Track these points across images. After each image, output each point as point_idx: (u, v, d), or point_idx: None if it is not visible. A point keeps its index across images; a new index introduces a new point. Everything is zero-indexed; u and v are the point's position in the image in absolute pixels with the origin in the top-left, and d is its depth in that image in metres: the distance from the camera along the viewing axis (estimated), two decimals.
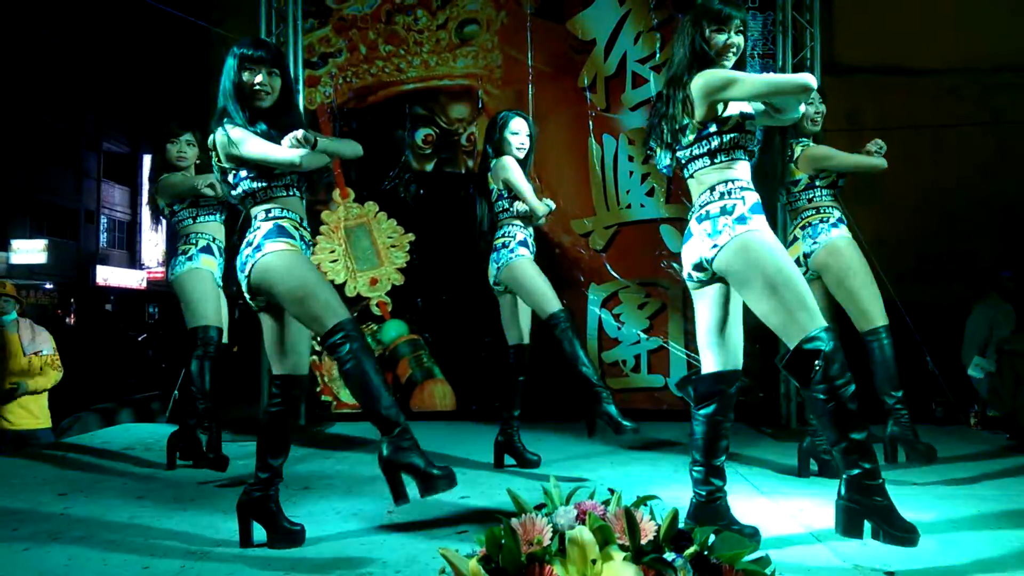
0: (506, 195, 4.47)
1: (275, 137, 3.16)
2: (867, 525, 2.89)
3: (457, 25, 6.56)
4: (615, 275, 6.45)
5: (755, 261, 2.93)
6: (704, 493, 3.08)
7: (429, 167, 6.59)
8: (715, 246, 2.98)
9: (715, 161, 3.05)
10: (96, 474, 4.56)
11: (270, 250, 3.11)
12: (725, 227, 2.97)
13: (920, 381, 6.23)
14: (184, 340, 4.69)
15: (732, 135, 3.04)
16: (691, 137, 3.06)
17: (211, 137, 3.19)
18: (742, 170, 3.07)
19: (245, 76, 3.18)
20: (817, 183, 4.29)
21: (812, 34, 6.27)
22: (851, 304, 4.21)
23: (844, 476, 2.91)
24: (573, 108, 6.51)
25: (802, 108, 3.20)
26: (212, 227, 4.72)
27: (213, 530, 3.37)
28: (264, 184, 3.18)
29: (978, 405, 6.06)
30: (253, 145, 3.10)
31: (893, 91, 7.32)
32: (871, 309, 4.16)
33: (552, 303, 4.35)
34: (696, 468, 3.11)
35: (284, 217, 3.18)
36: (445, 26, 6.57)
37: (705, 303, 3.13)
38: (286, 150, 3.08)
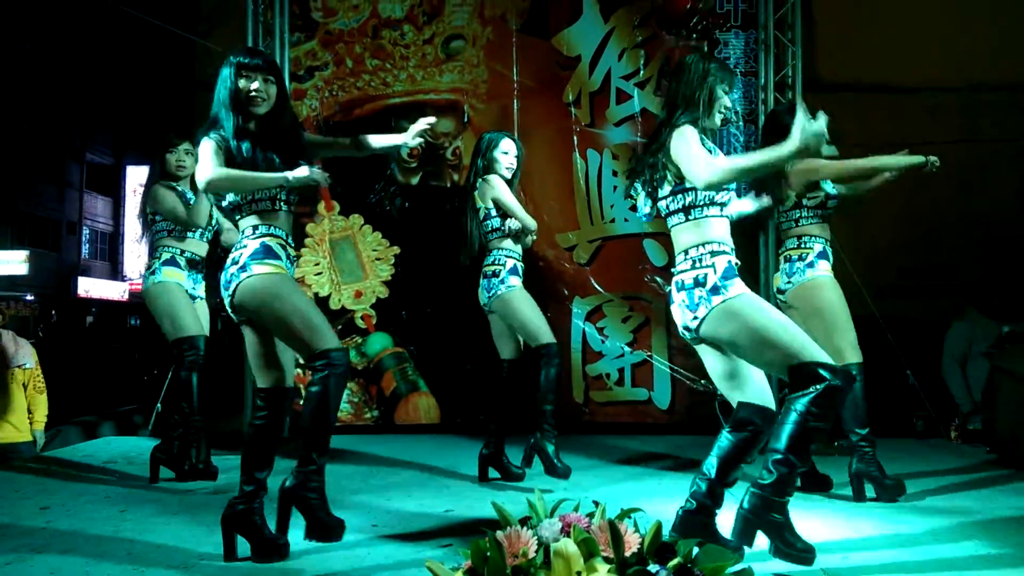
0: (494, 214, 4.50)
1: (269, 141, 3.20)
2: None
3: (443, 40, 6.60)
4: (599, 289, 6.48)
5: (738, 328, 2.96)
6: (695, 505, 3.05)
7: (415, 180, 6.61)
8: (695, 318, 3.03)
9: (689, 217, 3.09)
10: (78, 487, 4.53)
11: (256, 272, 3.13)
12: (701, 300, 3.00)
13: (901, 395, 6.30)
14: (166, 352, 4.69)
15: (707, 192, 3.07)
16: (667, 189, 3.11)
17: (200, 144, 3.17)
18: (718, 228, 3.09)
19: (241, 83, 3.21)
20: (805, 202, 4.20)
21: (794, 52, 6.35)
22: (824, 339, 4.10)
23: (751, 486, 2.97)
24: (558, 123, 6.55)
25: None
26: (190, 243, 4.72)
27: (196, 543, 3.36)
28: (249, 198, 3.19)
29: (958, 418, 6.11)
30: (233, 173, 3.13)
31: (875, 109, 7.38)
32: (842, 346, 4.06)
33: (545, 335, 4.43)
34: (701, 480, 3.06)
35: (270, 235, 3.20)
36: (431, 41, 6.60)
37: (708, 355, 3.16)
38: (269, 174, 3.12)
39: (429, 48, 6.60)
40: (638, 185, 3.24)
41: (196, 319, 4.66)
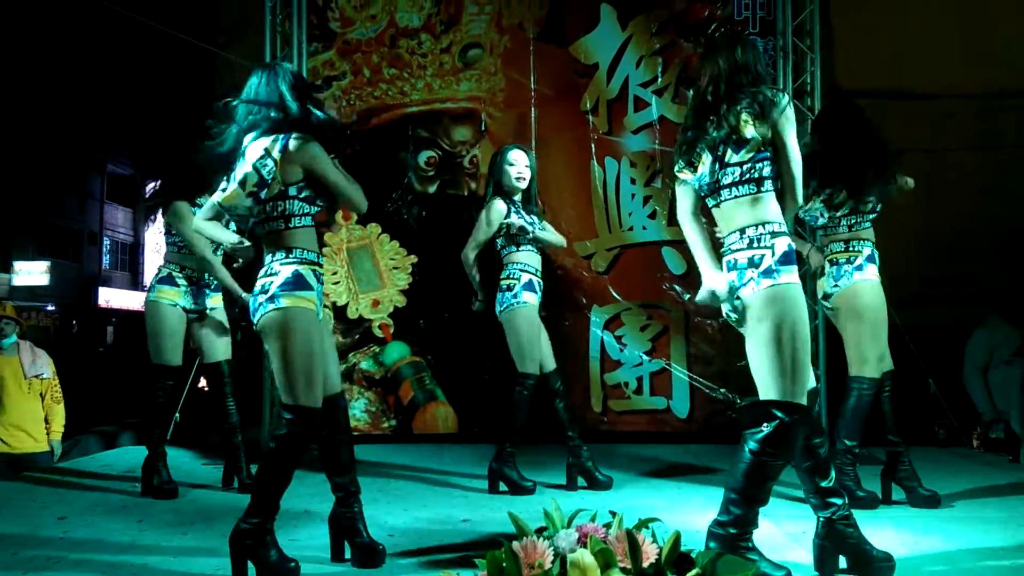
0: (500, 234, 4.64)
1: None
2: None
3: (461, 49, 6.60)
4: (617, 297, 6.45)
5: (769, 315, 2.85)
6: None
7: (432, 189, 6.61)
8: (738, 298, 2.94)
9: (760, 189, 2.93)
10: (96, 497, 4.54)
11: (282, 305, 3.05)
12: (750, 280, 2.89)
13: (923, 404, 6.23)
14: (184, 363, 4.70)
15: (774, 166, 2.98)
16: (746, 155, 2.94)
17: (275, 143, 3.10)
18: (772, 205, 2.96)
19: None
20: (861, 208, 4.13)
21: (812, 59, 6.31)
22: (852, 345, 4.12)
23: (818, 517, 2.98)
24: (575, 131, 6.53)
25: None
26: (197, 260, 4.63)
27: (213, 555, 3.34)
28: (307, 211, 3.15)
29: (980, 427, 6.04)
30: (333, 169, 3.17)
31: (893, 115, 7.32)
32: (868, 356, 4.05)
33: (529, 365, 4.56)
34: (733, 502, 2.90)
35: (305, 261, 3.12)
36: (449, 50, 6.61)
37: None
38: (357, 189, 3.19)
39: (446, 57, 6.60)
40: (695, 155, 3.05)
41: (176, 347, 4.59)
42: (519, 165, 4.64)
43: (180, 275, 4.62)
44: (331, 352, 3.43)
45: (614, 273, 6.48)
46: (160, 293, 4.56)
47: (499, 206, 4.62)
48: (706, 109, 3.03)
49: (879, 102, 7.44)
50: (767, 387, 2.85)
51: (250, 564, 3.02)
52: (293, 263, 3.10)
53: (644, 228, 6.45)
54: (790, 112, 2.95)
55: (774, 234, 2.90)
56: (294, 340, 3.05)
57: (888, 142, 4.19)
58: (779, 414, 2.79)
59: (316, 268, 3.16)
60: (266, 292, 3.08)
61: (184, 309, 4.61)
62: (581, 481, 4.66)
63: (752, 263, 2.89)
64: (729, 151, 2.96)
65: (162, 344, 4.55)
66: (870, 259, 4.14)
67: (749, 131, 2.91)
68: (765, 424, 2.80)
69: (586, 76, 6.55)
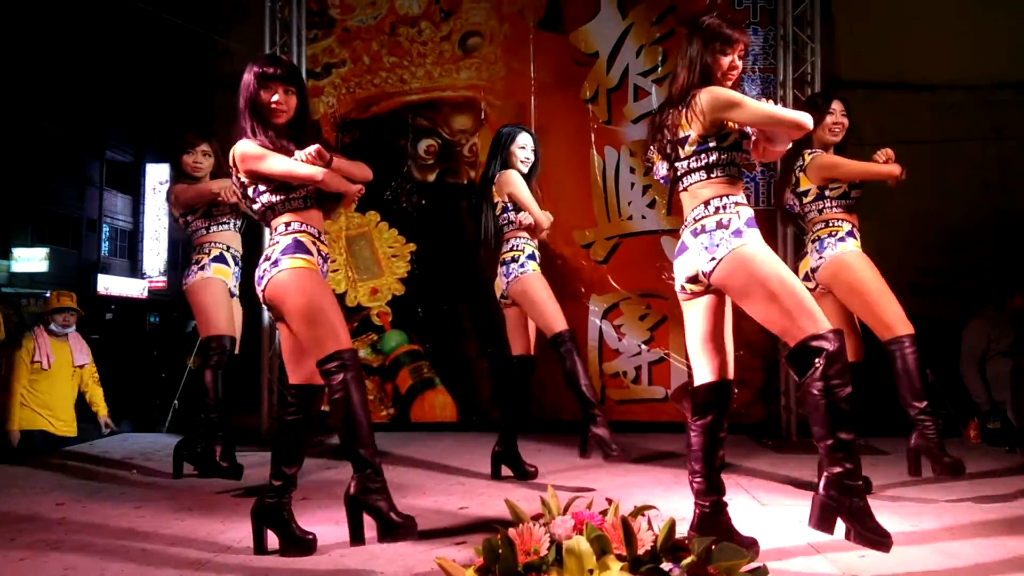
0: (511, 208, 4.53)
1: (291, 152, 3.20)
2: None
3: (460, 37, 6.59)
4: (616, 286, 6.45)
5: (753, 273, 2.95)
6: (708, 504, 3.09)
7: (431, 177, 6.61)
8: (712, 259, 3.00)
9: (711, 176, 3.08)
10: (95, 483, 4.56)
11: (286, 266, 3.14)
12: (722, 240, 2.99)
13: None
14: (182, 349, 4.71)
15: (729, 152, 3.08)
16: (690, 150, 3.09)
17: (232, 151, 3.22)
18: (736, 187, 3.11)
19: (263, 94, 3.21)
20: (827, 193, 4.20)
21: (813, 49, 6.29)
22: (868, 315, 4.12)
23: (825, 472, 2.92)
24: (575, 120, 6.53)
25: (787, 146, 3.25)
26: (226, 236, 4.72)
27: (211, 540, 3.37)
28: (282, 197, 3.21)
29: (979, 418, 6.05)
30: (276, 161, 3.16)
31: (894, 106, 7.33)
32: (889, 318, 4.06)
33: (559, 322, 4.41)
34: (696, 479, 3.11)
35: (303, 231, 3.21)
36: (449, 38, 6.60)
37: (697, 313, 3.15)
38: (308, 166, 3.14)
39: (446, 45, 6.60)
40: (651, 153, 3.28)
41: (230, 319, 4.65)
42: (527, 149, 4.61)
43: (228, 253, 4.69)
44: None
45: (613, 262, 6.48)
46: (216, 270, 4.61)
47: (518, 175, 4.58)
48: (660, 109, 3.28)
49: (880, 92, 7.45)
50: (793, 333, 2.93)
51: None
52: (291, 233, 3.19)
53: (643, 217, 6.45)
54: (715, 95, 3.04)
55: (737, 203, 3.07)
56: (303, 293, 3.12)
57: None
58: (821, 344, 2.86)
59: (315, 239, 3.23)
60: (269, 259, 3.19)
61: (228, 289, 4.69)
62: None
63: (721, 225, 3.02)
64: (678, 149, 3.14)
65: (217, 316, 4.57)
66: (851, 234, 4.20)
67: (683, 132, 3.10)
68: (816, 359, 2.86)
69: (586, 65, 6.54)
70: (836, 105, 4.30)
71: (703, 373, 3.14)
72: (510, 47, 6.58)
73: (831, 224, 4.21)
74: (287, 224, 3.21)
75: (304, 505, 3.92)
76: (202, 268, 4.62)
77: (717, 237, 3.00)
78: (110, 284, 28.18)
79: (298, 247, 3.17)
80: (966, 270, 7.60)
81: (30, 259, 24.45)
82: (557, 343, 4.39)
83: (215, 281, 4.61)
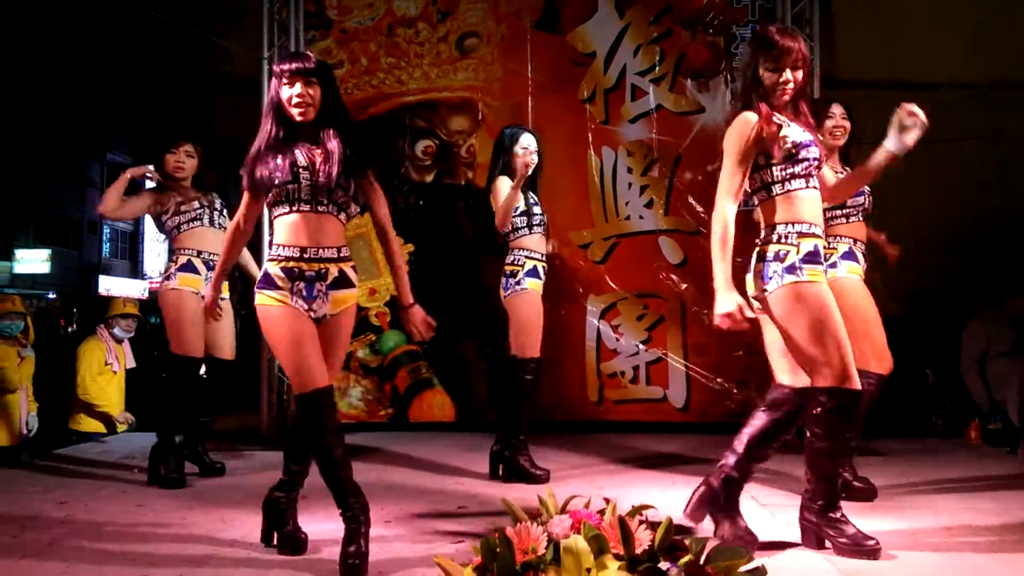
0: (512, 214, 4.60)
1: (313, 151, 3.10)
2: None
3: (458, 38, 6.58)
4: (614, 286, 6.44)
5: (799, 312, 3.00)
6: (722, 478, 3.19)
7: (429, 178, 6.60)
8: (764, 290, 3.05)
9: (771, 194, 3.10)
10: (96, 482, 4.57)
11: (256, 303, 3.10)
12: (775, 274, 3.02)
13: (921, 395, 6.25)
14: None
15: (783, 167, 3.08)
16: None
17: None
18: (805, 205, 3.09)
19: (284, 91, 3.08)
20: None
21: (812, 48, 6.28)
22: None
23: (805, 498, 3.14)
24: (572, 120, 6.51)
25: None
26: (197, 236, 4.57)
27: (211, 538, 3.38)
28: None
29: (979, 418, 6.05)
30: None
31: (893, 105, 7.33)
32: (864, 352, 3.91)
33: (532, 349, 4.55)
34: (730, 453, 3.20)
35: (276, 258, 3.09)
36: (446, 39, 6.59)
37: (769, 326, 3.19)
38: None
39: (443, 46, 6.59)
40: None
41: (199, 337, 4.51)
42: (531, 150, 4.63)
43: (198, 259, 4.54)
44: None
45: (611, 262, 6.46)
46: (182, 280, 4.47)
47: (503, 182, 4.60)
48: None
49: (879, 92, 7.44)
50: (818, 369, 3.00)
51: None
52: (270, 260, 3.14)
53: (641, 218, 6.44)
54: (725, 135, 3.14)
55: (801, 233, 3.05)
56: (269, 335, 3.11)
57: None
58: (820, 399, 2.98)
59: (294, 264, 3.08)
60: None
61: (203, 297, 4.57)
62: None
63: (777, 257, 3.04)
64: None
65: (184, 334, 4.45)
66: (847, 256, 4.09)
67: None
68: (815, 408, 2.98)
69: (583, 65, 6.53)
70: (836, 109, 4.21)
71: (780, 371, 3.21)
72: (507, 48, 6.57)
73: (828, 242, 4.00)
74: (270, 244, 3.25)
75: (304, 505, 3.91)
76: (168, 278, 4.51)
77: (771, 269, 3.04)
78: (111, 285, 28.17)
79: (266, 282, 3.10)
80: (965, 271, 7.61)
81: (32, 260, 24.51)
82: (522, 367, 4.50)
83: (182, 293, 4.46)
